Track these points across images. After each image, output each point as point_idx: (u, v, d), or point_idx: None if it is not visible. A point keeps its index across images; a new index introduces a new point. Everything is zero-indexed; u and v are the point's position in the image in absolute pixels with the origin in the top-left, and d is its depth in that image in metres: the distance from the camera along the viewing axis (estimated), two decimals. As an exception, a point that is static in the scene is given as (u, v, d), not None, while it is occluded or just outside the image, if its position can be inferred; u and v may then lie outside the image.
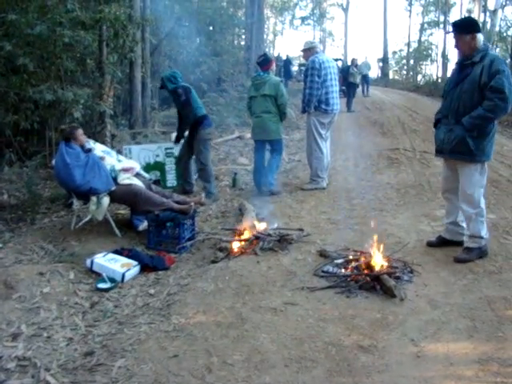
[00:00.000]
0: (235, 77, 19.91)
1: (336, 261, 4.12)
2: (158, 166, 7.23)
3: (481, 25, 4.38)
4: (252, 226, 4.84)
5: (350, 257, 4.15)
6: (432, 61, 42.03)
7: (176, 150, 7.17)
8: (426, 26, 42.80)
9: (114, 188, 5.06)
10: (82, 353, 3.10)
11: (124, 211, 5.86)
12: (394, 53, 46.68)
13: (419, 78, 41.41)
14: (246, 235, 4.71)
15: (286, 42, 76.29)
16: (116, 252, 4.58)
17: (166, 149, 7.27)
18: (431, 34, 42.78)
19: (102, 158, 5.25)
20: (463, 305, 3.45)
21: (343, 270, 3.96)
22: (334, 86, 6.72)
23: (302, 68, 23.97)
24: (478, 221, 4.21)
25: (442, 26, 37.25)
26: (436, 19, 41.20)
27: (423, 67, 44.41)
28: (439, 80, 30.59)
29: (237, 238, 4.74)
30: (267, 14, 44.10)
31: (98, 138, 7.85)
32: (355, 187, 6.98)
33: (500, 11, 22.85)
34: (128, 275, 4.23)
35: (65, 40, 7.00)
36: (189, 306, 3.55)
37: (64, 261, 4.53)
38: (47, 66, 7.74)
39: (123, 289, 4.09)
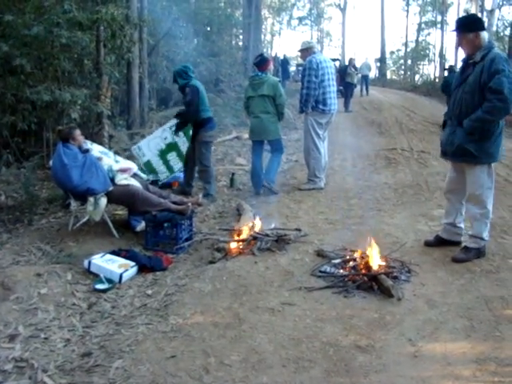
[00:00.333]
0: (233, 77, 19.91)
1: (333, 261, 4.12)
2: (172, 147, 7.24)
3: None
4: (250, 227, 4.84)
5: (348, 257, 4.15)
6: (429, 61, 42.21)
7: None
8: (423, 25, 42.88)
9: (111, 188, 5.06)
10: (80, 354, 3.10)
11: (121, 212, 5.84)
12: (392, 53, 46.77)
13: (417, 77, 41.52)
14: (244, 235, 4.71)
15: (284, 42, 76.37)
16: (114, 253, 4.57)
17: (171, 127, 7.25)
18: (429, 34, 42.94)
19: (99, 159, 5.24)
20: (461, 304, 3.45)
21: (341, 270, 3.96)
22: (332, 86, 6.72)
23: (300, 68, 23.97)
24: (482, 222, 4.18)
25: (439, 25, 37.33)
26: (433, 19, 41.28)
27: (421, 67, 44.54)
28: (437, 80, 30.63)
29: (234, 238, 4.74)
30: (265, 14, 44.10)
31: (96, 138, 7.85)
32: (353, 187, 6.99)
33: (497, 11, 22.92)
34: (126, 276, 4.23)
35: (62, 41, 7.00)
36: (186, 306, 3.55)
37: (61, 262, 4.52)
38: (44, 67, 7.73)
39: (121, 289, 4.08)
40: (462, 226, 4.43)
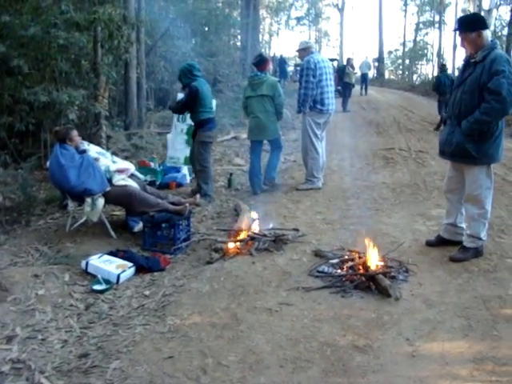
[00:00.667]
0: (231, 77, 19.88)
1: (331, 261, 4.12)
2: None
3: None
4: (247, 227, 4.84)
5: (346, 257, 4.15)
6: (427, 60, 42.21)
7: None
8: (421, 25, 42.95)
9: (108, 189, 5.05)
10: (77, 355, 3.09)
11: (119, 212, 5.84)
12: (390, 52, 46.86)
13: (415, 77, 41.55)
14: (241, 236, 4.71)
15: (282, 42, 76.40)
16: (111, 253, 4.56)
17: (178, 119, 7.53)
18: (426, 34, 42.97)
19: (96, 159, 5.23)
20: (458, 304, 3.46)
21: (338, 270, 3.96)
22: (330, 86, 6.71)
23: (298, 68, 24.04)
24: (480, 222, 4.17)
25: (437, 25, 37.37)
26: (431, 19, 41.34)
27: (419, 67, 44.61)
28: (435, 80, 30.63)
29: (232, 238, 4.74)
30: (263, 14, 44.09)
31: (94, 139, 7.85)
32: (351, 187, 6.99)
33: (495, 11, 22.95)
34: (123, 276, 4.22)
35: (59, 41, 7.00)
36: (184, 306, 3.54)
37: (59, 263, 4.51)
38: (42, 68, 7.72)
39: (118, 290, 4.08)
40: (464, 225, 4.41)
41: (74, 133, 5.26)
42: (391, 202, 6.18)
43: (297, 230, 4.94)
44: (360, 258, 4.01)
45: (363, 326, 3.18)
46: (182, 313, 3.44)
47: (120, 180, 5.19)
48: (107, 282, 4.14)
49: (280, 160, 7.16)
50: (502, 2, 25.09)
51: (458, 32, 4.10)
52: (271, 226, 5.07)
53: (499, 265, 4.09)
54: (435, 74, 33.57)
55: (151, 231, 5.01)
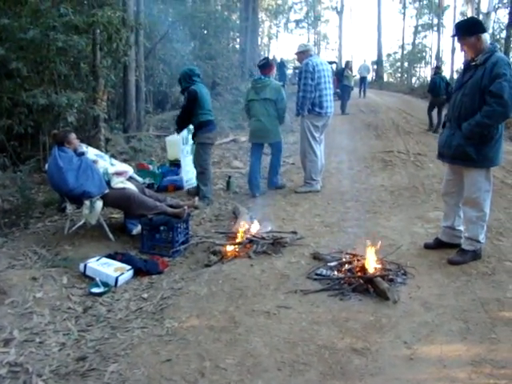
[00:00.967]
0: (230, 80, 19.90)
1: (329, 263, 4.11)
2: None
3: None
4: (246, 230, 4.83)
5: (344, 259, 4.15)
6: (426, 63, 42.35)
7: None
8: (419, 28, 43.06)
9: (107, 191, 5.05)
10: (75, 358, 3.09)
11: (118, 215, 5.84)
12: (389, 55, 46.96)
13: (413, 80, 41.64)
14: (240, 238, 4.70)
15: (281, 45, 76.43)
16: (109, 256, 4.56)
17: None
18: (425, 37, 43.08)
19: (94, 162, 5.23)
20: (456, 307, 3.45)
21: (336, 273, 3.95)
22: (328, 89, 6.72)
23: (297, 71, 24.06)
24: (478, 224, 4.17)
25: (435, 28, 37.44)
26: (430, 22, 41.44)
27: (417, 69, 44.70)
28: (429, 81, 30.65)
29: (230, 241, 4.74)
30: (262, 17, 44.21)
31: (92, 142, 7.86)
32: (349, 190, 6.99)
33: (493, 14, 22.99)
34: (121, 279, 4.22)
35: (58, 44, 7.00)
36: (182, 309, 3.54)
37: (57, 265, 4.50)
38: (41, 71, 7.73)
39: (116, 293, 4.08)
40: (461, 228, 4.41)
41: (73, 136, 5.26)
42: (389, 204, 6.18)
43: (295, 232, 4.94)
44: (358, 260, 4.01)
45: (361, 329, 3.18)
46: (180, 316, 3.44)
47: (118, 183, 5.19)
48: (105, 284, 4.14)
49: (281, 163, 7.16)
50: (500, 5, 25.18)
51: (456, 38, 4.10)
52: (270, 228, 5.06)
53: (497, 267, 4.09)
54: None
55: (149, 234, 5.00)
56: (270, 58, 31.34)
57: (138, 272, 4.41)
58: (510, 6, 17.47)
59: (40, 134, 7.98)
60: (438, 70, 13.92)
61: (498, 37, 24.97)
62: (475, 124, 3.91)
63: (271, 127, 6.76)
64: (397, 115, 16.62)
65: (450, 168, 4.37)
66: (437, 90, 12.87)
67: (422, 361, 2.84)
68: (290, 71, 31.51)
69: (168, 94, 16.28)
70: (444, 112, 12.90)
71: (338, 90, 18.26)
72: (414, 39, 43.43)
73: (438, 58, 35.98)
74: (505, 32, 19.76)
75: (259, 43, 37.68)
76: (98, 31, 7.87)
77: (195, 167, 6.86)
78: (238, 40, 26.97)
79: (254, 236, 4.71)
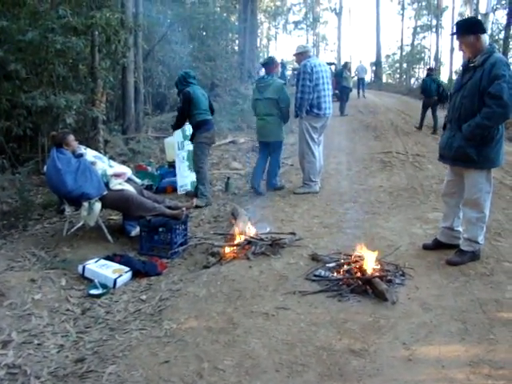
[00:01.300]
0: (228, 82, 19.90)
1: (328, 265, 4.11)
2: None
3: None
4: (244, 231, 4.83)
5: (342, 260, 4.15)
6: (425, 64, 42.30)
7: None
8: (418, 29, 43.11)
9: (105, 193, 5.05)
10: (73, 359, 3.09)
11: (116, 217, 5.84)
12: (388, 56, 47.02)
13: (412, 81, 41.66)
14: (238, 240, 4.70)
15: (280, 46, 76.54)
16: (108, 258, 4.57)
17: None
18: (424, 38, 43.11)
19: (93, 163, 5.24)
20: (455, 307, 3.45)
21: (335, 274, 3.95)
22: (327, 90, 6.72)
23: (296, 72, 24.11)
24: (478, 226, 4.16)
25: (434, 29, 37.50)
26: (428, 23, 41.48)
27: (416, 70, 44.70)
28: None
29: (229, 242, 4.74)
30: (260, 18, 44.27)
31: (91, 143, 7.86)
32: (348, 191, 6.99)
33: (491, 14, 23.04)
34: (120, 281, 4.22)
35: (57, 46, 7.00)
36: (180, 311, 3.54)
37: (56, 267, 4.51)
38: (39, 72, 7.74)
39: (115, 295, 4.08)
40: (460, 229, 4.41)
41: (71, 137, 5.26)
42: (388, 205, 6.18)
43: (294, 233, 4.93)
44: (357, 261, 4.01)
45: (359, 330, 3.18)
46: (179, 317, 3.44)
47: (117, 184, 5.19)
48: (104, 286, 4.14)
49: (280, 164, 7.16)
50: (498, 6, 25.22)
51: (456, 36, 4.09)
52: (268, 229, 5.06)
53: (496, 268, 4.09)
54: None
55: (148, 235, 5.01)
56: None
57: (137, 273, 4.41)
58: (509, 7, 17.49)
59: (39, 136, 7.98)
60: (430, 72, 14.17)
61: (496, 38, 25.00)
62: (475, 125, 3.90)
63: (272, 126, 6.84)
64: (395, 116, 16.65)
65: (451, 169, 4.37)
66: (428, 91, 13.15)
67: (420, 362, 2.83)
68: (289, 72, 31.55)
69: (167, 95, 16.29)
70: (438, 112, 13.04)
71: (337, 92, 18.30)
72: (413, 40, 43.51)
73: (436, 58, 36.07)
74: (503, 33, 19.82)
75: (258, 45, 37.71)
76: (97, 33, 7.87)
77: (194, 167, 6.91)
78: (236, 41, 26.97)
79: (252, 237, 4.71)
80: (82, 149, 5.46)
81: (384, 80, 43.63)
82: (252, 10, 25.65)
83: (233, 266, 4.28)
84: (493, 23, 25.27)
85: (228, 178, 7.66)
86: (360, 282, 3.75)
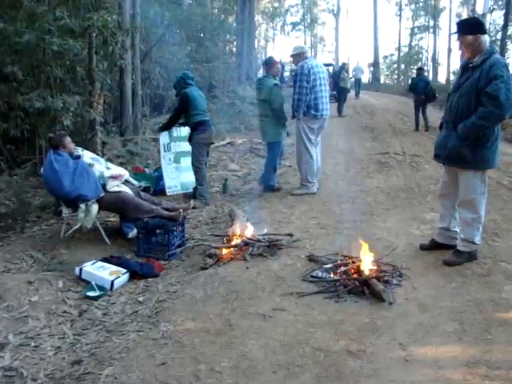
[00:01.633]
0: (226, 83, 19.92)
1: (325, 266, 4.11)
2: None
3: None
4: (241, 232, 4.83)
5: (339, 261, 4.15)
6: (423, 65, 42.32)
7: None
8: (416, 30, 43.16)
9: (102, 195, 5.04)
10: (70, 362, 3.08)
11: (114, 219, 5.83)
12: (385, 57, 47.03)
13: (410, 82, 41.64)
14: (236, 241, 4.70)
15: (278, 47, 76.54)
16: (105, 260, 4.55)
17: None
18: (421, 39, 43.18)
19: (90, 165, 5.22)
20: (452, 308, 3.46)
21: (332, 275, 3.95)
22: (324, 92, 6.73)
23: (293, 73, 24.19)
24: (474, 226, 4.17)
25: (431, 30, 37.56)
26: (426, 24, 41.54)
27: (414, 71, 44.66)
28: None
29: (226, 244, 4.74)
30: (258, 20, 44.34)
31: (89, 145, 7.83)
32: (345, 192, 6.99)
33: (489, 15, 23.09)
34: (117, 283, 4.21)
35: (54, 48, 6.99)
36: (177, 313, 3.53)
37: (53, 269, 4.50)
38: (36, 74, 7.73)
39: (112, 297, 4.07)
40: (457, 229, 4.42)
41: (67, 140, 5.24)
42: (386, 206, 6.19)
43: (291, 235, 4.94)
44: (354, 262, 4.01)
45: (357, 331, 3.18)
46: (176, 319, 3.43)
47: (114, 186, 5.19)
48: (101, 288, 4.13)
49: (274, 165, 7.14)
50: (495, 7, 25.28)
51: (456, 36, 4.09)
52: (265, 231, 5.06)
53: (493, 268, 4.10)
54: (430, 78, 33.88)
55: (145, 237, 5.00)
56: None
57: (134, 275, 4.40)
58: (505, 7, 17.51)
59: (36, 138, 7.96)
60: (419, 72, 14.36)
61: (493, 38, 25.06)
62: (471, 125, 3.90)
63: (267, 127, 6.94)
64: (393, 117, 16.67)
65: (447, 170, 4.37)
66: (416, 89, 13.45)
67: (417, 362, 2.84)
68: (287, 73, 31.58)
69: (164, 97, 16.25)
70: (428, 111, 13.19)
71: (335, 93, 18.34)
72: (411, 41, 43.57)
73: (434, 59, 36.14)
74: (500, 33, 19.85)
75: (256, 46, 37.74)
76: (94, 35, 7.86)
77: (192, 168, 6.93)
78: (234, 43, 26.98)
79: (249, 238, 4.71)
80: (80, 151, 5.45)
81: (382, 81, 43.68)
82: (249, 12, 25.72)
83: (230, 267, 4.28)
84: (490, 24, 25.36)
85: (226, 180, 7.66)
86: (357, 283, 3.75)
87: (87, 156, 5.43)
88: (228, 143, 12.03)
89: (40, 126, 7.74)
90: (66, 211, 5.18)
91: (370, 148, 10.73)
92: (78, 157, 5.23)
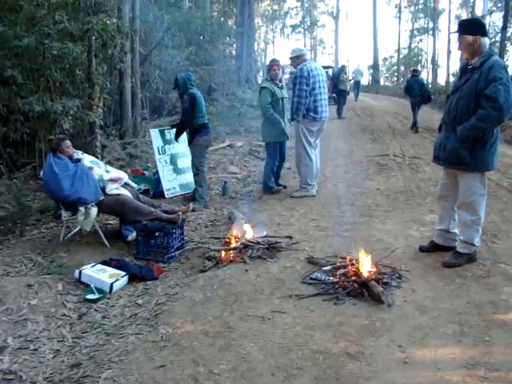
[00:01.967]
0: (226, 86, 19.94)
1: (324, 268, 4.11)
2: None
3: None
4: (241, 235, 4.83)
5: (338, 263, 4.15)
6: (422, 67, 42.36)
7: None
8: (415, 32, 43.19)
9: (102, 198, 5.05)
10: (69, 365, 3.09)
11: (113, 221, 5.84)
12: (385, 59, 47.05)
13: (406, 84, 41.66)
14: (235, 243, 4.70)
15: (278, 50, 76.46)
16: (104, 263, 4.56)
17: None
18: (421, 41, 43.18)
19: (90, 169, 5.24)
20: (451, 310, 3.45)
21: (331, 277, 3.95)
22: (323, 94, 6.74)
23: (292, 76, 24.21)
24: (473, 228, 4.16)
25: (431, 32, 37.59)
26: (425, 26, 41.57)
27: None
28: (429, 86, 30.77)
29: (225, 246, 4.73)
30: (258, 22, 44.34)
31: (89, 148, 7.86)
32: (345, 194, 6.99)
33: (488, 17, 23.12)
34: (116, 286, 4.22)
35: (53, 52, 7.02)
36: (177, 315, 3.53)
37: (52, 272, 4.51)
38: (36, 78, 7.76)
39: (111, 299, 4.08)
40: (456, 231, 4.42)
41: (65, 144, 5.24)
42: (385, 208, 6.18)
43: (290, 237, 4.94)
44: (353, 264, 4.01)
45: (355, 333, 3.18)
46: (175, 321, 3.43)
47: (113, 189, 5.19)
48: (100, 291, 4.14)
49: (269, 167, 7.15)
50: (494, 9, 25.31)
51: (457, 35, 4.08)
52: (265, 233, 5.06)
53: (492, 270, 4.09)
54: (430, 80, 33.95)
55: (145, 240, 5.01)
56: (267, 63, 31.55)
57: (133, 278, 4.41)
58: (505, 9, 17.54)
59: (36, 141, 7.98)
60: (414, 73, 14.52)
61: (492, 40, 25.11)
62: (470, 127, 3.90)
63: (262, 128, 7.20)
64: (393, 119, 16.68)
65: (446, 172, 4.37)
66: (411, 91, 13.66)
67: (416, 364, 2.83)
68: (286, 76, 31.64)
69: (164, 99, 16.27)
70: (421, 112, 13.34)
71: (335, 95, 18.36)
72: (410, 43, 43.58)
73: (433, 61, 36.15)
74: (499, 35, 19.88)
75: (255, 49, 37.72)
76: (94, 38, 7.88)
77: (192, 170, 6.93)
78: (234, 45, 27.01)
79: (249, 241, 4.71)
80: (80, 154, 5.46)
81: (381, 83, 43.68)
82: (249, 14, 25.72)
83: (229, 269, 4.28)
84: (489, 26, 25.39)
85: (225, 182, 7.67)
86: (356, 285, 3.75)
87: (87, 159, 5.44)
88: (228, 146, 12.05)
89: (40, 129, 7.77)
90: (65, 214, 5.19)
91: (369, 150, 10.73)
92: (78, 160, 5.24)
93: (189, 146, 7.03)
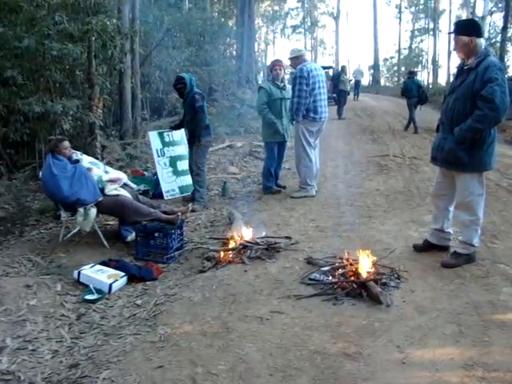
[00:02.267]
0: (226, 86, 19.93)
1: (323, 268, 4.10)
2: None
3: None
4: (240, 235, 4.83)
5: (337, 264, 4.14)
6: (423, 67, 42.41)
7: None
8: (416, 32, 43.18)
9: (101, 199, 5.05)
10: (67, 365, 3.09)
11: (113, 222, 5.84)
12: (386, 60, 47.05)
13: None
14: (234, 244, 4.70)
15: (278, 50, 76.43)
16: (103, 263, 4.57)
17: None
18: (421, 41, 43.17)
19: (89, 169, 5.24)
20: (450, 310, 3.45)
21: (330, 278, 3.95)
22: (323, 94, 6.74)
23: (292, 76, 24.24)
24: (472, 228, 4.16)
25: (431, 32, 37.58)
26: (426, 26, 41.56)
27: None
28: (430, 86, 30.79)
29: (224, 247, 4.74)
30: (258, 23, 44.32)
31: (88, 149, 7.87)
32: (344, 194, 6.98)
33: (488, 17, 23.12)
34: (115, 286, 4.22)
35: (53, 52, 7.03)
36: (175, 316, 3.53)
37: (51, 273, 4.51)
38: (36, 78, 7.77)
39: (110, 300, 4.09)
40: (450, 230, 4.43)
41: (64, 145, 5.25)
42: (384, 208, 6.18)
43: (289, 237, 4.93)
44: (351, 265, 4.00)
45: (354, 334, 3.17)
46: (174, 322, 3.43)
47: (112, 190, 5.20)
48: (99, 291, 4.14)
49: (265, 168, 7.18)
50: (495, 9, 25.32)
51: (453, 35, 4.08)
52: (264, 234, 5.06)
53: (491, 270, 4.09)
54: (430, 80, 33.95)
55: (144, 241, 5.01)
56: (267, 64, 31.52)
57: (132, 278, 4.41)
58: (505, 9, 17.55)
59: (36, 142, 7.99)
60: (410, 75, 14.65)
61: (493, 40, 25.11)
62: (467, 128, 3.90)
63: (261, 128, 7.34)
64: (393, 119, 16.66)
65: (441, 171, 4.37)
66: (408, 92, 13.81)
67: (414, 365, 2.83)
68: (286, 76, 31.67)
69: (164, 100, 16.28)
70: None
71: (335, 95, 18.37)
72: (411, 43, 43.58)
73: (434, 61, 36.13)
74: (500, 36, 19.89)
75: (256, 49, 37.69)
76: (93, 39, 7.89)
77: (192, 170, 6.92)
78: (234, 46, 27.00)
79: (248, 241, 4.71)
80: (78, 154, 5.47)
81: (382, 83, 43.68)
82: (249, 15, 25.70)
83: (228, 270, 4.28)
84: (490, 26, 25.41)
85: (225, 183, 7.67)
86: (355, 286, 3.75)
87: (86, 160, 5.45)
88: (227, 146, 12.04)
89: (40, 130, 7.78)
90: (64, 215, 5.19)
91: (369, 150, 10.73)
92: (77, 161, 5.25)
93: (189, 146, 7.00)
